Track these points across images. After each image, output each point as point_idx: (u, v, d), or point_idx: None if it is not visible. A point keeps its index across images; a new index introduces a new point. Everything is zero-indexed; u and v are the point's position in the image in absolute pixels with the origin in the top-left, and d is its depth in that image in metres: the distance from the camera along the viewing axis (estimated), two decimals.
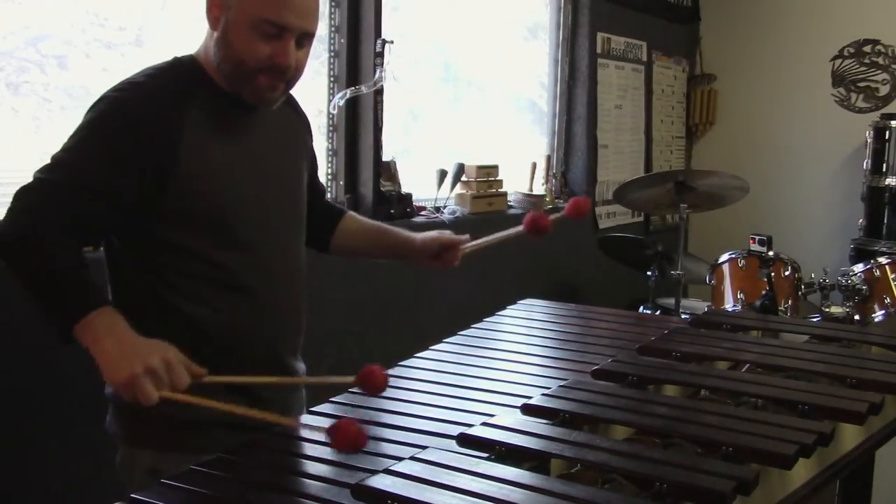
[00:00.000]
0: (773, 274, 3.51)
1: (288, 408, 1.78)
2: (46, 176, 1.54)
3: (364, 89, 3.31)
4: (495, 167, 3.97)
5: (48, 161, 1.57)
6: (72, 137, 1.59)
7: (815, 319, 3.54)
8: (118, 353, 1.43)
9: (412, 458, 1.36)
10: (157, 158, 1.57)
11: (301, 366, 1.86)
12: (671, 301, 3.91)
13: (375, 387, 1.57)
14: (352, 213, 2.08)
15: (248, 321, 1.68)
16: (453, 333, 2.20)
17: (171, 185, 1.58)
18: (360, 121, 3.39)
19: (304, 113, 1.94)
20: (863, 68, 5.21)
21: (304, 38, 1.65)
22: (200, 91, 1.66)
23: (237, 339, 1.67)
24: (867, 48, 5.19)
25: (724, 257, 3.92)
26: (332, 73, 3.37)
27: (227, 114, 1.68)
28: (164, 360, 1.43)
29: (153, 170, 1.57)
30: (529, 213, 1.95)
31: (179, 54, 1.72)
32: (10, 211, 1.53)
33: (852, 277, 3.72)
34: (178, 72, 1.67)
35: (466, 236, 1.99)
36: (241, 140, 1.69)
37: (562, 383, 1.75)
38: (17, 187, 1.55)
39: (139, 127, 1.57)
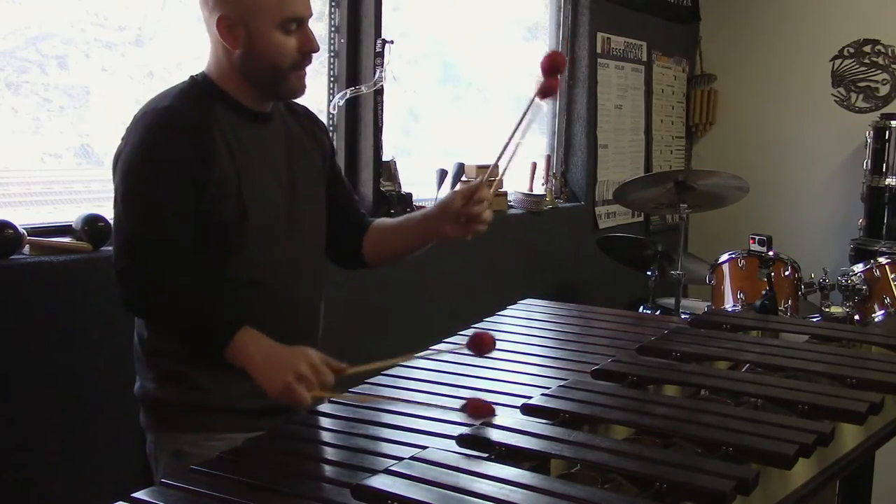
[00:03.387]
0: (772, 274, 3.49)
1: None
2: (127, 234, 1.66)
3: (364, 89, 3.30)
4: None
5: (116, 218, 1.69)
6: (122, 186, 1.69)
7: (815, 319, 3.54)
8: (268, 366, 1.58)
9: (412, 458, 1.36)
10: (196, 171, 1.68)
11: None
12: (671, 301, 3.90)
13: (486, 346, 1.75)
14: (377, 220, 2.05)
15: (265, 317, 1.72)
16: (453, 333, 2.20)
17: (206, 190, 1.69)
18: (360, 121, 3.38)
19: (316, 117, 2.03)
20: (863, 68, 5.21)
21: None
22: (219, 106, 1.75)
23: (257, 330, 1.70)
24: (867, 48, 5.19)
25: (724, 257, 3.91)
26: (331, 73, 3.37)
27: (245, 126, 1.78)
28: (310, 365, 1.59)
29: (194, 180, 1.68)
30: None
31: (194, 72, 1.81)
32: (120, 281, 1.66)
33: (852, 277, 3.72)
34: (200, 90, 1.77)
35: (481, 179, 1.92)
36: (258, 148, 1.78)
37: (562, 383, 1.75)
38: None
39: (178, 150, 1.67)
